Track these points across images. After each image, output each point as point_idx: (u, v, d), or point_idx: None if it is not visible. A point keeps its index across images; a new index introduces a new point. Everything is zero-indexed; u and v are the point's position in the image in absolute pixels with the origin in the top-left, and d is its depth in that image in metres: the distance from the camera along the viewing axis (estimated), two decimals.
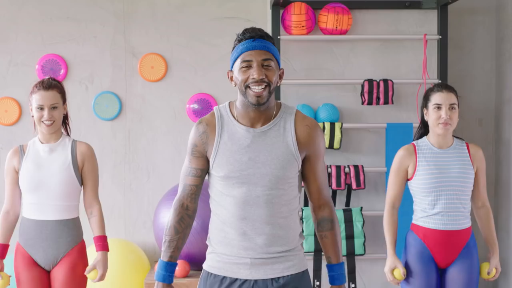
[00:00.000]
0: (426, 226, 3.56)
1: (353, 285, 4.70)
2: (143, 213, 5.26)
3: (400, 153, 3.64)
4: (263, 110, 2.54)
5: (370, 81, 4.75)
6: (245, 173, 2.50)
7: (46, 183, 3.48)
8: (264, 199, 2.51)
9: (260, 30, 2.54)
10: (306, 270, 2.62)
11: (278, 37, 4.73)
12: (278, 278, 2.54)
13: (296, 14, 4.70)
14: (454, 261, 3.55)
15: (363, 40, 4.94)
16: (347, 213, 4.70)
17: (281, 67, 2.59)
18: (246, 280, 2.54)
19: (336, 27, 4.76)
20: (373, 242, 4.84)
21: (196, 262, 4.63)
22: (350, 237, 4.67)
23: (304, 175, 2.64)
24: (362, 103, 4.78)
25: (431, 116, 3.59)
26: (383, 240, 4.80)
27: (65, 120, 3.63)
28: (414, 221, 3.63)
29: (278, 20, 4.77)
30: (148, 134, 5.27)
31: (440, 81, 4.76)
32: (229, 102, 2.62)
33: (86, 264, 3.59)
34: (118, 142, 5.25)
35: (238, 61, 2.51)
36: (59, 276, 3.50)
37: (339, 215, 4.68)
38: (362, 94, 4.77)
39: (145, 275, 4.82)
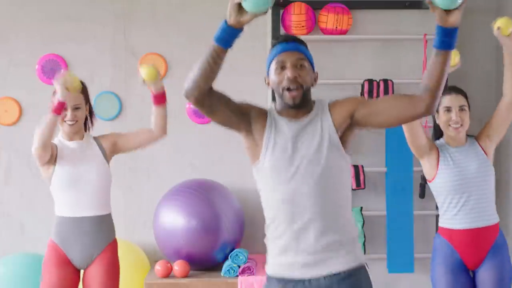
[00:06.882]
0: (451, 227, 3.52)
1: None
2: (143, 213, 5.25)
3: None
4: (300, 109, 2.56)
5: (370, 81, 4.75)
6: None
7: (84, 179, 3.56)
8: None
9: (293, 35, 2.63)
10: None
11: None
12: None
13: (296, 14, 4.71)
14: (484, 260, 3.50)
15: (363, 40, 4.94)
16: None
17: (315, 71, 2.63)
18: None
19: (336, 27, 4.76)
20: (373, 242, 4.83)
21: (196, 262, 4.63)
22: None
23: (373, 121, 2.54)
24: None
25: (441, 118, 3.61)
26: (383, 240, 4.82)
27: (86, 119, 3.74)
28: (440, 224, 3.60)
29: (278, 20, 4.77)
30: None
31: None
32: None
33: (118, 263, 3.65)
34: None
35: (273, 63, 2.57)
36: (96, 275, 3.55)
37: None
38: (362, 94, 4.77)
39: (145, 275, 4.82)
